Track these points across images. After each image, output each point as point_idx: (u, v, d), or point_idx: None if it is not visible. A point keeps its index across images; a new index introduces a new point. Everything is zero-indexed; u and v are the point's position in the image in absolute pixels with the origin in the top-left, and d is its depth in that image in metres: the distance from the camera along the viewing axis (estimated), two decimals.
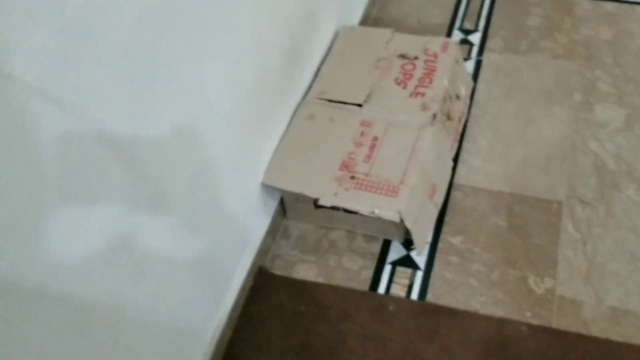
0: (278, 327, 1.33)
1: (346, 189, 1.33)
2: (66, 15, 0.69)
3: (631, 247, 1.36)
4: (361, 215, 1.38)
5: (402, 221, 1.28)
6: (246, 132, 1.25)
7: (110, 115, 0.80)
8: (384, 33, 1.65)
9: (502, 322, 1.28)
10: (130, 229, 0.90)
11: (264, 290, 1.39)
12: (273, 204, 1.46)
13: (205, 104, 1.05)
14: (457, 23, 1.93)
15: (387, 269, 1.40)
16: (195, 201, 1.08)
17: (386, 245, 1.45)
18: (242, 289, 1.35)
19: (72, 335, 0.82)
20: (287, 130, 1.45)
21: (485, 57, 1.81)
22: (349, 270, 1.41)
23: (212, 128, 1.10)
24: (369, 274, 1.40)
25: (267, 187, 1.40)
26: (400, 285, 1.37)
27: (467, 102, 1.65)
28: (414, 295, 1.35)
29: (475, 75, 1.76)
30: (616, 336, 1.24)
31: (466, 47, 1.84)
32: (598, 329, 1.25)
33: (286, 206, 1.50)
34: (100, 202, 0.82)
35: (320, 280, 1.40)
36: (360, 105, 1.47)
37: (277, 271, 1.42)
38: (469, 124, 1.63)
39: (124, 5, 0.78)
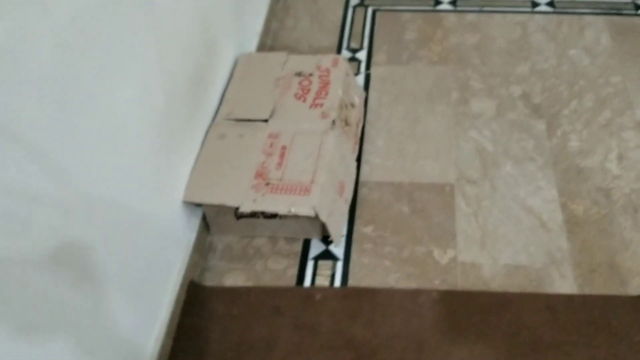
0: (214, 332, 1.41)
1: (263, 195, 1.45)
2: None
3: (515, 213, 1.58)
4: (280, 218, 1.50)
5: (317, 216, 1.42)
6: (162, 153, 1.35)
7: (38, 134, 0.89)
8: (279, 56, 1.81)
9: (415, 292, 1.44)
10: (66, 241, 0.97)
11: (197, 302, 1.47)
12: (196, 221, 1.55)
13: (121, 126, 1.14)
14: (345, 44, 2.14)
15: (310, 264, 1.53)
16: (121, 217, 1.16)
17: (306, 244, 1.57)
18: (177, 302, 1.42)
19: None
20: (200, 150, 1.56)
21: (373, 70, 2.01)
22: (275, 271, 1.52)
23: (130, 149, 1.19)
24: (294, 271, 1.52)
25: (188, 205, 1.49)
26: (324, 276, 1.50)
27: (362, 109, 1.84)
28: (337, 283, 1.48)
29: (367, 86, 1.95)
30: (512, 288, 1.43)
31: (355, 63, 2.05)
32: (497, 285, 1.44)
33: (209, 222, 1.59)
34: (37, 217, 0.89)
35: (250, 284, 1.50)
36: (266, 121, 1.61)
37: (208, 283, 1.51)
38: (366, 128, 1.82)
39: (41, 35, 0.87)
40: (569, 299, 1.41)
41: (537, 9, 2.18)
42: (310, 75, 1.73)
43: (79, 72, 0.98)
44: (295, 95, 1.68)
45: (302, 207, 1.42)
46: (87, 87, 1.01)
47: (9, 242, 0.83)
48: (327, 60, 1.77)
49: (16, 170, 0.84)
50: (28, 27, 0.84)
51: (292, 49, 2.10)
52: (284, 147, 1.54)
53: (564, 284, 1.44)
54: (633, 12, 2.13)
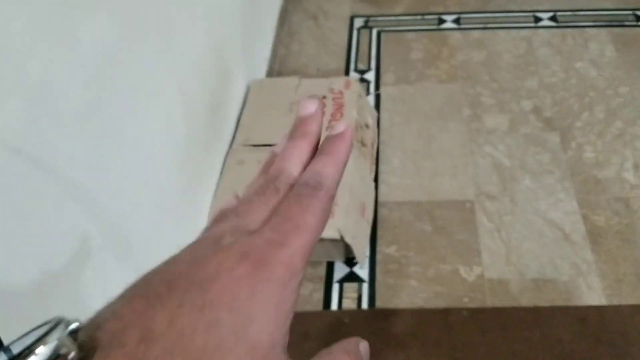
0: None
1: None
2: (29, 82, 0.78)
3: (537, 226, 1.58)
4: None
5: (342, 238, 1.41)
6: (185, 183, 1.35)
7: (74, 169, 0.88)
8: (291, 80, 1.82)
9: (445, 311, 1.43)
10: (104, 278, 0.96)
11: None
12: None
13: (148, 159, 1.14)
14: (352, 66, 2.15)
15: (336, 287, 1.52)
16: (151, 249, 1.15)
17: (330, 267, 1.56)
18: None
19: None
20: (220, 178, 1.56)
21: (382, 91, 2.03)
22: (301, 296, 1.50)
23: (156, 182, 1.19)
24: (320, 295, 1.50)
25: None
26: (350, 299, 1.49)
27: (375, 130, 1.84)
28: (364, 305, 1.47)
29: (377, 107, 1.96)
30: (542, 302, 1.42)
31: (364, 84, 2.06)
32: (526, 300, 1.43)
33: None
34: (76, 252, 0.88)
35: None
36: None
37: None
38: (380, 148, 1.82)
39: (73, 71, 0.88)
40: (599, 310, 1.40)
41: (540, 23, 2.21)
42: (324, 98, 1.74)
43: (109, 108, 0.98)
44: None
45: (326, 229, 1.41)
46: (117, 122, 1.01)
47: (50, 282, 0.82)
48: (339, 82, 1.78)
49: (54, 208, 0.83)
50: (61, 63, 0.84)
51: (300, 74, 2.11)
52: None
53: (593, 295, 1.43)
54: (634, 23, 2.16)
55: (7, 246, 0.72)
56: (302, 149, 0.31)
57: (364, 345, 0.29)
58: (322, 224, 0.28)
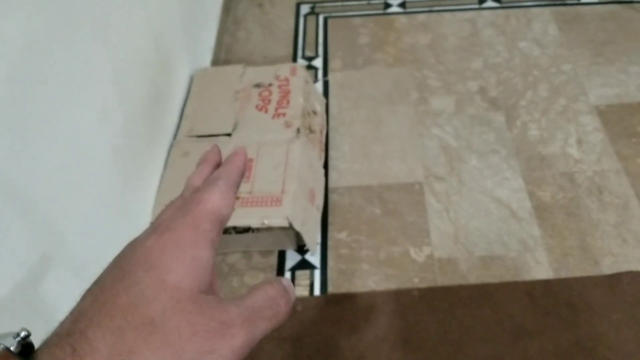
0: None
1: (234, 210, 1.42)
2: None
3: (485, 204, 1.59)
4: (253, 232, 1.48)
5: (291, 226, 1.40)
6: (127, 174, 1.31)
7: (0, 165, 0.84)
8: (236, 69, 1.79)
9: (396, 293, 1.43)
10: (36, 274, 0.93)
11: None
12: None
13: (83, 151, 1.10)
14: (300, 52, 2.13)
15: (287, 275, 1.50)
16: (90, 243, 1.12)
17: (282, 256, 1.55)
18: None
19: None
20: (164, 170, 1.52)
21: (330, 77, 2.01)
22: None
23: (94, 174, 1.15)
24: None
25: None
26: (303, 286, 1.48)
27: (324, 116, 1.83)
28: (317, 292, 1.46)
29: (326, 93, 1.95)
30: (491, 279, 1.44)
31: (312, 71, 2.04)
32: (474, 277, 1.45)
33: None
34: (5, 249, 0.84)
35: None
36: (229, 135, 1.59)
37: None
38: (330, 134, 1.81)
39: None
40: (546, 284, 1.43)
41: (484, 5, 2.23)
42: (270, 85, 1.71)
43: (36, 99, 0.94)
44: (257, 106, 1.66)
45: (275, 218, 1.40)
46: (46, 113, 0.97)
47: None
48: (285, 69, 1.76)
49: None
50: None
51: (247, 62, 2.08)
52: (250, 160, 1.52)
53: (540, 269, 1.46)
54: (576, 1, 2.20)
55: None
56: (204, 169, 0.38)
57: (286, 279, 0.33)
58: (222, 202, 0.33)
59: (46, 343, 0.27)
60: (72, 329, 0.27)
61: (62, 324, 0.28)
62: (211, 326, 0.28)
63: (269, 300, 0.31)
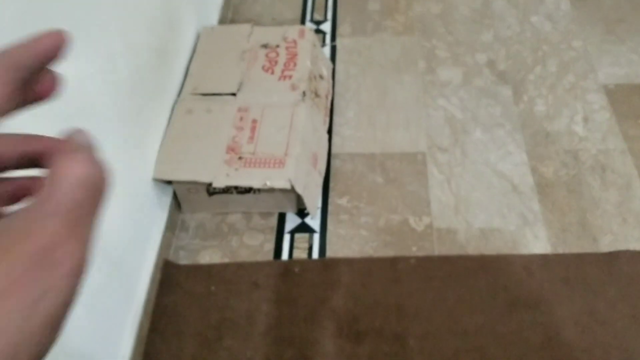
0: (193, 311, 1.38)
1: (236, 169, 1.42)
2: None
3: (487, 177, 1.59)
4: (254, 193, 1.48)
5: (292, 188, 1.40)
6: (130, 129, 1.30)
7: None
8: (243, 28, 1.76)
9: (394, 260, 1.44)
10: None
11: (173, 281, 1.43)
12: (167, 200, 1.51)
13: (86, 100, 1.09)
14: (308, 16, 2.10)
15: (287, 237, 1.51)
16: None
17: (282, 218, 1.55)
18: (152, 282, 1.38)
19: None
20: (168, 126, 1.51)
21: (338, 42, 1.99)
22: (252, 246, 1.50)
23: (96, 124, 1.14)
24: (270, 246, 1.49)
25: (159, 184, 1.45)
26: (301, 249, 1.48)
27: (330, 81, 1.81)
28: (315, 255, 1.47)
29: (333, 58, 1.93)
30: (488, 251, 1.45)
31: (320, 35, 2.01)
32: (473, 248, 1.45)
33: (180, 200, 1.55)
34: None
35: (226, 260, 1.47)
36: (234, 95, 1.57)
37: (183, 261, 1.47)
38: (335, 100, 1.80)
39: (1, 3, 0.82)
40: (543, 258, 1.44)
41: None
42: (277, 46, 1.69)
43: None
44: (263, 67, 1.64)
45: (277, 180, 1.40)
46: None
47: None
48: (293, 31, 1.74)
49: None
50: None
51: (254, 23, 2.05)
52: (254, 121, 1.51)
53: (538, 244, 1.46)
54: None
55: None
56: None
57: (78, 132, 0.27)
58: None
59: None
60: None
61: None
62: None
63: (80, 184, 0.24)
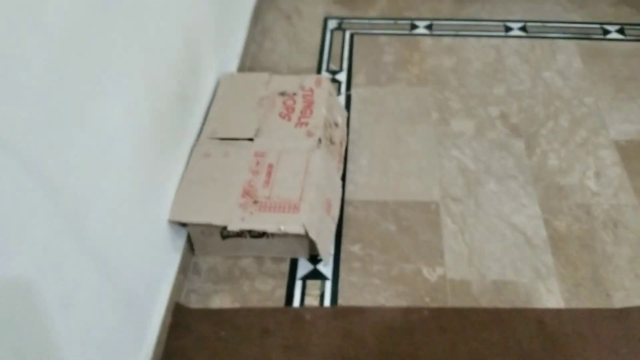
0: (203, 356, 1.37)
1: (251, 213, 1.43)
2: None
3: (500, 229, 1.59)
4: (267, 237, 1.49)
5: (306, 233, 1.40)
6: (149, 170, 1.32)
7: (32, 147, 0.85)
8: (262, 76, 1.81)
9: (406, 310, 1.43)
10: (59, 257, 0.93)
11: (184, 325, 1.42)
12: (181, 242, 1.52)
13: (110, 142, 1.11)
14: (324, 66, 2.15)
15: (298, 284, 1.50)
16: (110, 235, 1.13)
17: (294, 264, 1.55)
18: (163, 325, 1.37)
19: None
20: (185, 169, 1.53)
21: (353, 91, 2.03)
22: (263, 291, 1.49)
23: (118, 165, 1.16)
24: (282, 292, 1.49)
25: (174, 226, 1.46)
26: (313, 296, 1.48)
27: (345, 129, 1.84)
28: (327, 303, 1.46)
29: (348, 107, 1.96)
30: (502, 304, 1.44)
31: (335, 85, 2.06)
32: (486, 301, 1.44)
33: (194, 243, 1.55)
34: (31, 229, 0.85)
35: (237, 305, 1.46)
36: (251, 140, 1.60)
37: (194, 305, 1.46)
38: (349, 148, 1.82)
39: (35, 46, 0.85)
40: (557, 313, 1.42)
41: (510, 33, 2.25)
42: (294, 94, 1.73)
43: (71, 85, 0.96)
44: (280, 114, 1.67)
45: (291, 225, 1.40)
46: (80, 101, 0.99)
47: (1, 255, 0.79)
48: (310, 80, 1.78)
49: (11, 183, 0.80)
50: (22, 37, 0.82)
51: (271, 71, 2.10)
52: (270, 166, 1.53)
53: (552, 298, 1.45)
54: (601, 36, 2.22)
55: None
56: None
57: None
58: None
59: None
60: None
61: None
62: None
63: None
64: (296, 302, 1.46)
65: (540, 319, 1.41)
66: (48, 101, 0.89)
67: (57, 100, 0.91)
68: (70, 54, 0.95)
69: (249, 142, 1.59)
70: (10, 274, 0.81)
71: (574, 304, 1.44)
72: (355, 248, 1.57)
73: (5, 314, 0.80)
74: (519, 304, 1.44)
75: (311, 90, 1.74)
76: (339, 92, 2.03)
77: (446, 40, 2.23)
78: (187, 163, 1.55)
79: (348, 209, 1.66)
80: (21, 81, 0.82)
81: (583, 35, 2.23)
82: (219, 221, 1.42)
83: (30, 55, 0.84)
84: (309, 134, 1.60)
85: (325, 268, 1.53)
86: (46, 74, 0.88)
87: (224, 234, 1.49)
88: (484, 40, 2.22)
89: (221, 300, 1.47)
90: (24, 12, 0.82)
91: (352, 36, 2.27)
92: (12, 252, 0.81)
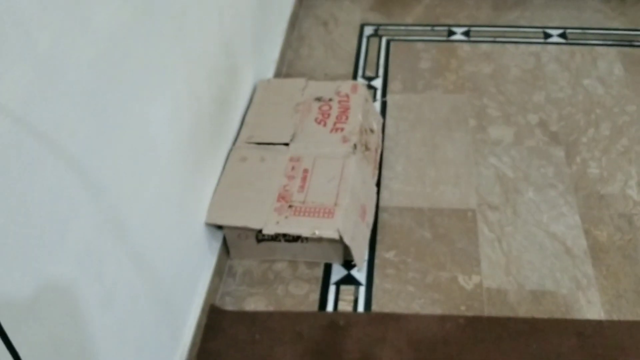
0: (236, 357, 1.38)
1: (286, 217, 1.43)
2: (37, 51, 0.77)
3: (539, 239, 1.56)
4: (302, 241, 1.49)
5: (341, 238, 1.40)
6: (187, 173, 1.34)
7: (78, 146, 0.88)
8: (298, 82, 1.82)
9: (441, 318, 1.41)
10: (100, 257, 0.95)
11: (218, 327, 1.43)
12: (217, 245, 1.53)
13: (152, 144, 1.14)
14: (360, 72, 2.15)
15: (332, 289, 1.50)
16: (149, 236, 1.15)
17: (328, 269, 1.55)
18: (198, 326, 1.39)
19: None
20: (222, 173, 1.55)
21: (389, 98, 2.03)
22: (297, 296, 1.49)
23: (159, 168, 1.18)
24: (316, 296, 1.49)
25: (210, 228, 1.47)
26: (346, 301, 1.47)
27: (380, 135, 1.84)
28: (360, 308, 1.45)
29: (383, 113, 1.96)
30: (539, 314, 1.40)
31: (371, 91, 2.06)
32: (524, 311, 1.41)
33: (229, 246, 1.57)
34: (73, 228, 0.87)
35: (271, 309, 1.47)
36: (287, 144, 1.61)
37: (229, 307, 1.48)
38: (384, 154, 1.81)
39: (82, 47, 0.87)
40: (597, 324, 1.38)
41: (550, 40, 2.21)
42: (330, 100, 1.74)
43: (116, 87, 0.98)
44: (316, 119, 1.68)
45: (326, 229, 1.41)
46: (124, 103, 1.01)
47: (45, 253, 0.81)
48: (346, 86, 1.78)
49: (57, 182, 0.82)
50: (71, 37, 0.84)
51: (308, 77, 2.11)
52: (305, 171, 1.54)
53: (592, 309, 1.41)
54: None
55: (3, 216, 0.71)
56: None
57: None
58: None
59: None
60: None
61: None
62: None
63: None
64: (329, 307, 1.46)
65: (579, 330, 1.37)
66: (94, 102, 0.91)
67: (102, 101, 0.93)
68: (115, 56, 0.97)
69: (285, 147, 1.60)
70: (53, 272, 0.83)
71: (615, 316, 1.40)
72: (390, 255, 1.56)
73: (47, 311, 0.82)
74: (558, 314, 1.41)
75: (347, 96, 1.74)
76: (374, 98, 2.03)
77: (484, 46, 2.21)
78: (224, 167, 1.56)
79: (383, 216, 1.65)
80: (70, 81, 0.84)
81: (625, 43, 2.18)
82: (254, 224, 1.43)
83: (78, 56, 0.86)
84: (345, 140, 1.61)
85: (359, 274, 1.52)
86: (93, 75, 0.90)
87: (259, 237, 1.50)
88: (522, 47, 2.19)
89: (255, 304, 1.48)
90: (72, 10, 0.85)
91: (388, 43, 2.27)
92: (56, 251, 0.83)
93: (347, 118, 1.68)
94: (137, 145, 1.07)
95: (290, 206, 1.46)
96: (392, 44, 2.26)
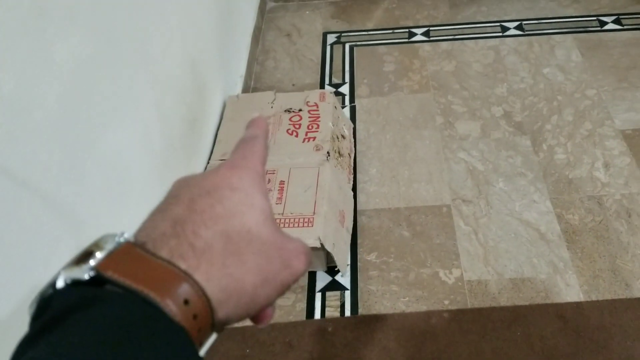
0: None
1: None
2: (2, 93, 0.78)
3: (513, 227, 1.60)
4: None
5: (322, 246, 1.42)
6: (163, 195, 1.35)
7: (52, 183, 0.89)
8: (267, 95, 1.84)
9: (427, 314, 1.44)
10: None
11: (209, 345, 1.44)
12: None
13: (126, 171, 1.15)
14: (327, 80, 2.18)
15: (318, 296, 1.52)
16: None
17: (312, 277, 1.57)
18: None
19: None
20: None
21: (357, 103, 2.06)
22: (284, 306, 1.51)
23: (135, 191, 1.19)
24: (302, 305, 1.51)
25: None
26: (333, 307, 1.49)
27: (352, 140, 1.87)
28: (347, 313, 1.48)
29: (353, 118, 1.99)
30: (521, 301, 1.44)
31: (339, 97, 2.09)
32: (505, 299, 1.45)
33: None
34: (55, 264, 0.88)
35: None
36: None
37: None
38: (358, 158, 1.84)
39: (47, 84, 0.88)
40: (577, 306, 1.43)
41: (507, 32, 2.27)
42: (300, 110, 1.76)
43: (85, 119, 0.99)
44: (287, 131, 1.70)
45: (307, 239, 1.42)
46: (93, 134, 1.02)
47: (28, 293, 0.82)
48: (314, 95, 1.81)
49: (33, 220, 0.83)
50: (35, 77, 0.85)
51: (275, 89, 2.14)
52: (282, 182, 1.56)
53: (571, 292, 1.46)
54: (598, 28, 2.24)
55: None
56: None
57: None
58: (265, 152, 0.38)
59: (153, 241, 0.29)
60: (178, 231, 0.30)
61: (154, 229, 0.30)
62: (290, 247, 0.33)
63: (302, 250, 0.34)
64: (317, 315, 1.48)
65: (561, 313, 1.42)
66: (64, 136, 0.92)
67: (72, 134, 0.95)
68: (81, 88, 0.98)
69: None
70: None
71: (594, 296, 1.45)
72: (372, 257, 1.58)
73: None
74: (539, 300, 1.45)
75: (316, 105, 1.77)
76: (343, 104, 2.06)
77: (444, 45, 2.26)
78: None
79: (361, 219, 1.68)
80: (38, 119, 0.85)
81: (580, 29, 2.24)
82: None
83: (44, 93, 0.87)
84: (317, 148, 1.63)
85: (344, 279, 1.55)
86: (60, 109, 0.92)
87: None
88: (481, 42, 2.24)
89: None
90: (34, 51, 0.86)
91: (351, 49, 2.30)
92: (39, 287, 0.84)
93: (318, 127, 1.70)
94: (111, 174, 1.08)
95: None
96: (355, 49, 2.30)
